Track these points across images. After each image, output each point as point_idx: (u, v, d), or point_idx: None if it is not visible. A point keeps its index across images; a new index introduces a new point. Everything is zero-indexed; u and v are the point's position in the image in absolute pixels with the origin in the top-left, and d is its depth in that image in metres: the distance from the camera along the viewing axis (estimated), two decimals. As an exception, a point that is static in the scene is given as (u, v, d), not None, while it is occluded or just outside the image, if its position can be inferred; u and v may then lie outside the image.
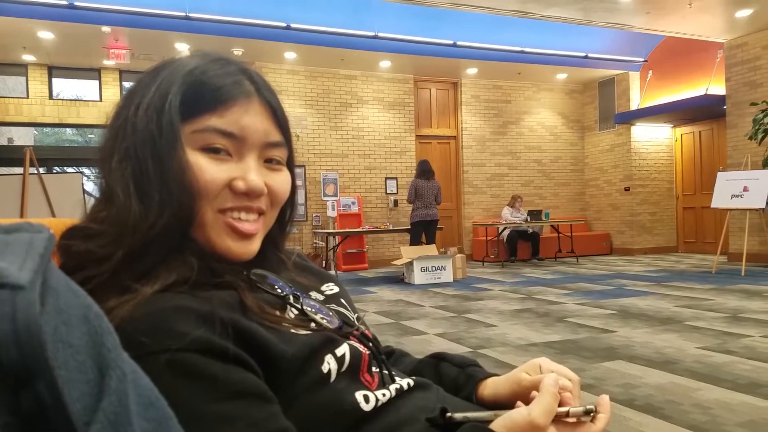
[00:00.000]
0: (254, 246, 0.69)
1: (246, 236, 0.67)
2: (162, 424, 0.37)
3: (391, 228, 9.10)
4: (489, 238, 10.04)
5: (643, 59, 10.71)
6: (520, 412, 0.60)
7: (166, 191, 0.60)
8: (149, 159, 0.61)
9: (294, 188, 0.76)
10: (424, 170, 8.13)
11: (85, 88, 9.88)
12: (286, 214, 0.77)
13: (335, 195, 9.50)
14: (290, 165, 0.74)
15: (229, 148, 0.65)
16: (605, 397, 0.66)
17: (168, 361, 0.51)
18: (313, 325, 0.67)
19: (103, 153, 0.65)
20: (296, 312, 0.68)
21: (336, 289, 0.82)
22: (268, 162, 0.70)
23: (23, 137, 12.99)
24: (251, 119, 0.66)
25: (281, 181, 0.71)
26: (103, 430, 0.31)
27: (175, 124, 0.62)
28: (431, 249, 7.91)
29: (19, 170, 6.10)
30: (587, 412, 0.62)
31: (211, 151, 0.64)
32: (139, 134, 0.62)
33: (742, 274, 7.19)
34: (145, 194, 0.60)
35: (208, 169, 0.64)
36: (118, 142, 0.63)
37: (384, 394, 0.66)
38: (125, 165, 0.61)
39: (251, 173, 0.66)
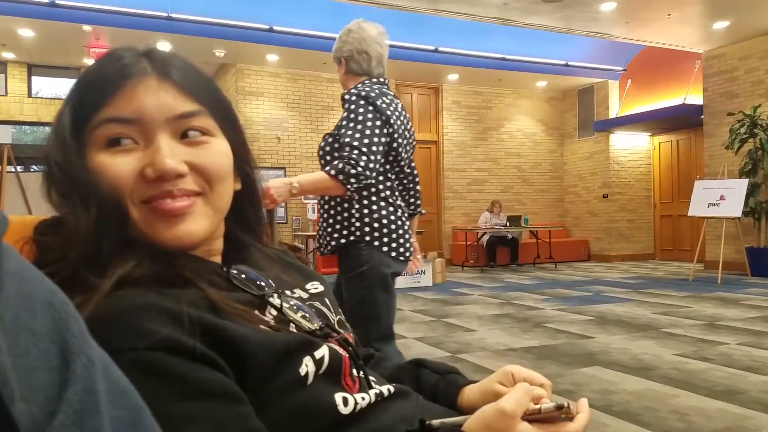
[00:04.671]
0: (191, 226, 0.63)
1: (176, 215, 0.62)
2: (135, 412, 0.36)
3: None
4: (469, 243, 10.07)
5: (622, 68, 10.85)
6: (490, 405, 0.61)
7: (81, 198, 0.59)
8: (60, 173, 0.61)
9: (245, 158, 0.72)
10: None
11: (65, 86, 9.73)
12: (254, 200, 0.75)
13: (315, 197, 9.44)
14: (229, 132, 0.69)
15: (132, 135, 0.62)
16: (584, 400, 0.67)
17: (134, 360, 0.50)
18: (292, 326, 0.65)
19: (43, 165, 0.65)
20: (276, 311, 0.66)
21: (321, 288, 0.80)
22: (188, 138, 0.64)
23: (1, 135, 12.73)
24: (146, 98, 0.62)
25: (208, 153, 0.65)
26: (67, 419, 0.30)
27: (66, 134, 0.61)
28: (412, 253, 7.91)
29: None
30: (558, 408, 0.63)
31: (114, 144, 0.61)
32: (50, 151, 0.62)
33: (719, 282, 7.29)
34: (71, 204, 0.59)
35: (112, 166, 0.61)
36: (44, 163, 0.63)
37: (363, 398, 0.65)
38: (50, 184, 0.62)
39: (160, 156, 0.61)
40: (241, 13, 7.99)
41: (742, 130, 7.96)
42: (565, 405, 0.63)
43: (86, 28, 7.58)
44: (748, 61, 8.57)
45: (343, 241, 2.04)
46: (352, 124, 1.97)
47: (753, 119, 7.93)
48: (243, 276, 0.67)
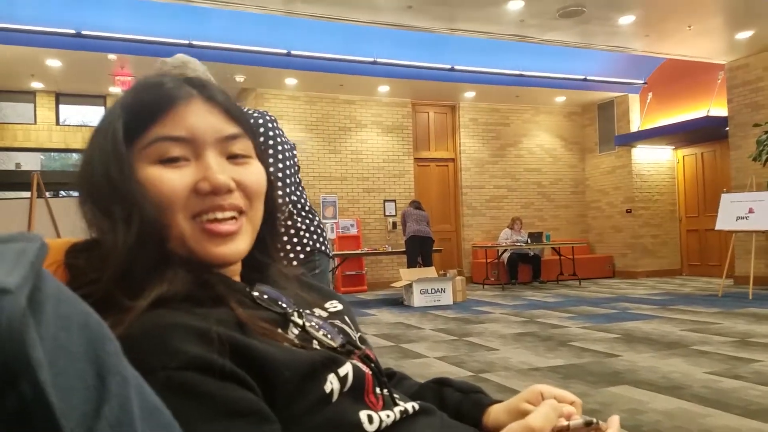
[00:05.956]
0: (239, 246, 0.67)
1: (225, 236, 0.65)
2: (167, 429, 0.38)
3: (389, 250, 9.04)
4: (489, 260, 9.95)
5: (642, 81, 10.74)
6: (518, 422, 0.60)
7: (125, 216, 0.60)
8: (107, 194, 0.62)
9: (270, 183, 0.74)
10: (414, 202, 8.76)
11: (92, 114, 9.95)
12: (272, 221, 0.76)
13: (334, 217, 9.46)
14: (261, 157, 0.73)
15: (185, 153, 0.64)
16: (615, 417, 0.66)
17: (166, 379, 0.50)
18: (315, 343, 0.66)
19: (78, 185, 0.66)
20: (298, 330, 0.67)
21: (340, 307, 0.81)
22: (233, 158, 0.68)
23: (30, 162, 13.04)
24: (197, 119, 0.66)
25: (251, 173, 0.69)
26: None
27: (120, 148, 0.63)
28: (430, 271, 7.85)
29: (27, 194, 6.13)
30: (587, 424, 0.61)
31: (168, 161, 0.64)
32: (96, 177, 0.63)
33: (750, 297, 7.07)
34: (112, 225, 0.61)
35: (168, 179, 0.63)
36: (83, 186, 0.65)
37: (388, 416, 0.65)
38: (91, 205, 0.63)
39: (213, 171, 0.64)
40: (259, 38, 8.12)
41: (770, 141, 7.78)
42: (594, 421, 0.62)
43: (111, 56, 7.79)
44: (773, 70, 8.42)
45: (302, 256, 2.15)
46: (271, 150, 1.96)
47: (780, 130, 7.75)
48: (265, 296, 0.68)
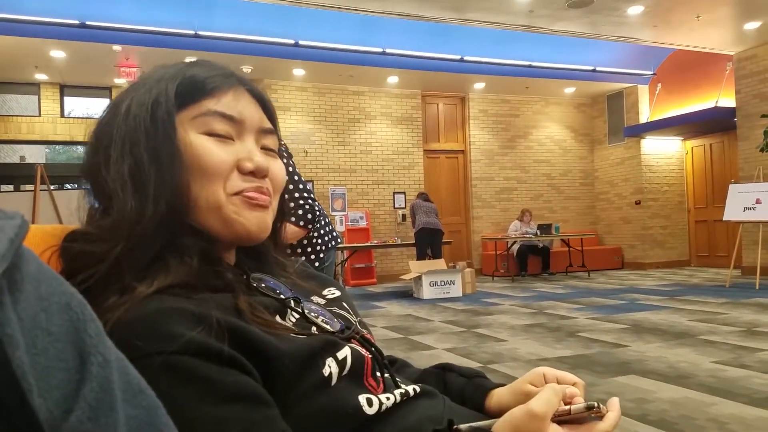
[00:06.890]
0: (269, 221, 0.69)
1: (262, 207, 0.68)
2: (151, 411, 0.37)
3: (399, 242, 9.07)
4: (498, 252, 9.97)
5: (651, 72, 10.68)
6: (519, 407, 0.60)
7: (160, 181, 0.61)
8: (144, 153, 0.62)
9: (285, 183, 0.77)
10: (422, 194, 8.68)
11: (97, 106, 9.97)
12: (280, 217, 0.78)
13: (343, 210, 9.49)
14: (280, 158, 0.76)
15: (231, 132, 0.67)
16: (615, 399, 0.66)
17: (162, 364, 0.50)
18: (314, 329, 0.66)
19: (93, 163, 0.64)
20: (297, 316, 0.67)
21: (337, 293, 0.82)
22: (264, 150, 0.71)
23: (35, 155, 13.05)
24: (244, 105, 0.69)
25: (279, 167, 0.72)
26: (83, 415, 0.31)
27: (172, 113, 0.64)
28: (440, 263, 7.87)
29: (32, 187, 6.17)
30: (589, 408, 0.62)
31: (216, 136, 0.66)
32: (132, 132, 0.63)
33: (757, 287, 7.08)
34: (141, 188, 0.61)
35: (216, 151, 0.65)
36: (112, 145, 0.63)
37: (388, 398, 0.65)
38: (121, 165, 0.62)
39: (255, 153, 0.68)
40: (267, 28, 8.11)
41: (778, 131, 7.74)
42: (596, 405, 0.62)
43: (116, 47, 7.75)
44: (783, 61, 8.35)
45: (317, 264, 2.25)
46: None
47: (789, 120, 7.71)
48: (263, 285, 0.69)
